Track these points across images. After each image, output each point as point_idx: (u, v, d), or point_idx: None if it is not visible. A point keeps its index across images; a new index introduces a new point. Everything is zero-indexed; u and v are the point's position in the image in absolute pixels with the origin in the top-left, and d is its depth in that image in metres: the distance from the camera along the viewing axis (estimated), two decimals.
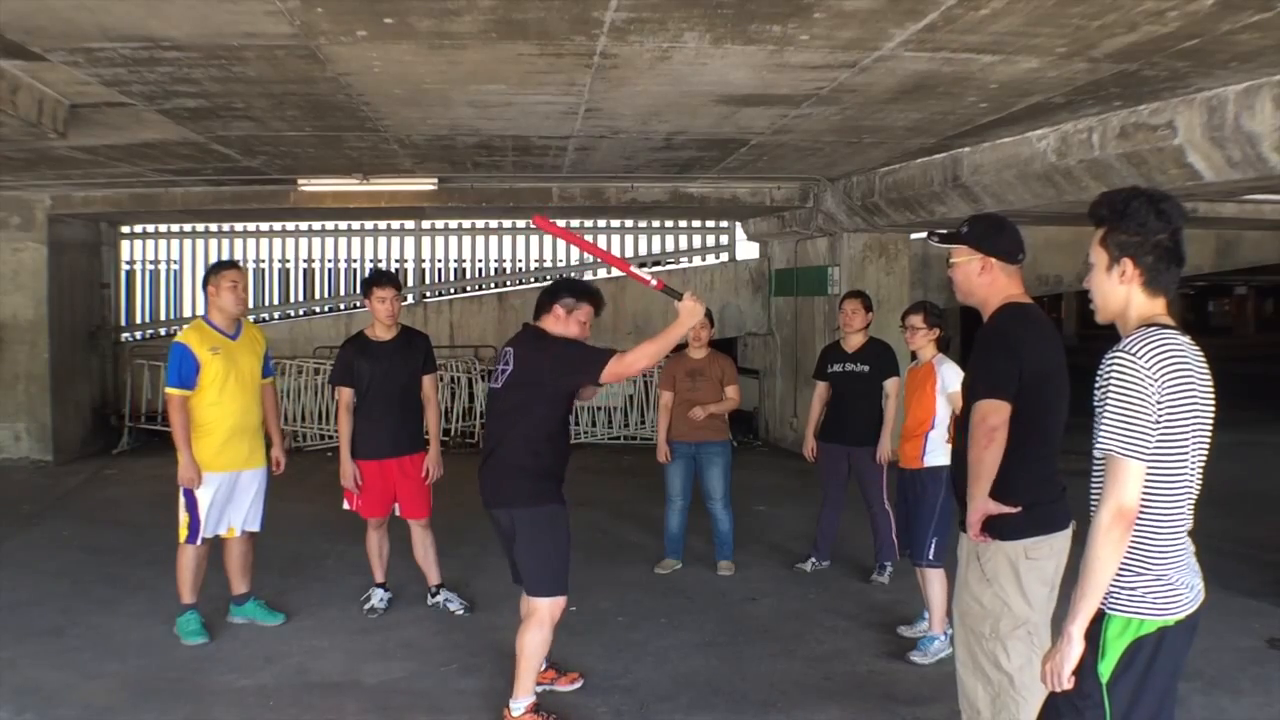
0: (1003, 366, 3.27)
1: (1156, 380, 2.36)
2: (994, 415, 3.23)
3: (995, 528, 3.27)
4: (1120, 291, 2.51)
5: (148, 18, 4.24)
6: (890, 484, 6.27)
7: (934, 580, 5.05)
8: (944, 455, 4.87)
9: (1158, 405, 2.36)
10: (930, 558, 5.04)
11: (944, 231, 3.52)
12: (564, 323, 4.25)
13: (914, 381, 5.33)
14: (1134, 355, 2.38)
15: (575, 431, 12.12)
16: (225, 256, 13.91)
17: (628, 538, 7.50)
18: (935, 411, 5.14)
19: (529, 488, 4.16)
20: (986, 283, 3.36)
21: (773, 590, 6.28)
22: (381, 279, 5.71)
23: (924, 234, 10.04)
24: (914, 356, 5.44)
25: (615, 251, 14.40)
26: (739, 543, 6.79)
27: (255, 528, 5.49)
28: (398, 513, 5.76)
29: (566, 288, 4.35)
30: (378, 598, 5.80)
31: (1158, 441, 2.37)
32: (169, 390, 5.23)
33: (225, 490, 5.28)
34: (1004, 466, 3.25)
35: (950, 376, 5.03)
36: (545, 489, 4.19)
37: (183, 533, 5.24)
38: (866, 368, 6.30)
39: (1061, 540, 3.32)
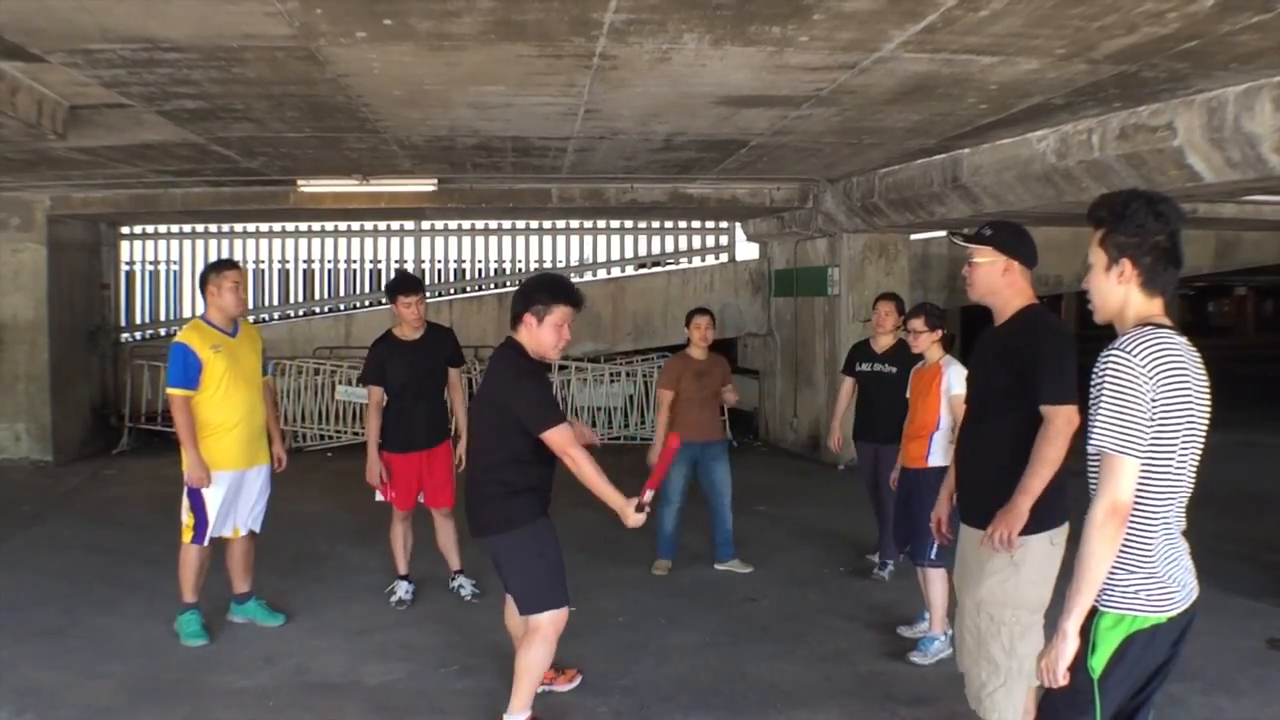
0: (1074, 373, 3.44)
1: (1151, 378, 2.38)
2: (1077, 419, 3.35)
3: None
4: (1118, 292, 2.54)
5: (148, 19, 4.24)
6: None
7: (936, 580, 5.05)
8: (948, 456, 4.87)
9: (1152, 403, 2.38)
10: (932, 557, 5.03)
11: (968, 232, 3.74)
12: (536, 332, 3.92)
13: (920, 382, 5.32)
14: (1129, 353, 2.40)
15: None
16: (225, 257, 13.92)
17: (627, 538, 7.43)
18: (941, 413, 5.14)
19: (501, 512, 3.95)
20: (1008, 283, 3.60)
21: (773, 590, 6.28)
22: (407, 285, 5.89)
23: (926, 234, 10.10)
24: (920, 357, 5.44)
25: (615, 252, 14.44)
26: (740, 542, 6.79)
27: (256, 527, 5.49)
28: (421, 501, 5.95)
29: (539, 287, 4.00)
30: (403, 590, 5.91)
31: (1151, 439, 2.39)
32: (171, 391, 5.20)
33: (233, 489, 5.28)
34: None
35: (956, 379, 5.00)
36: (519, 509, 3.94)
37: (187, 534, 5.23)
38: (894, 369, 6.30)
39: (1067, 529, 3.49)
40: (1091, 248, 2.58)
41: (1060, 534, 3.49)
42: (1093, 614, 2.46)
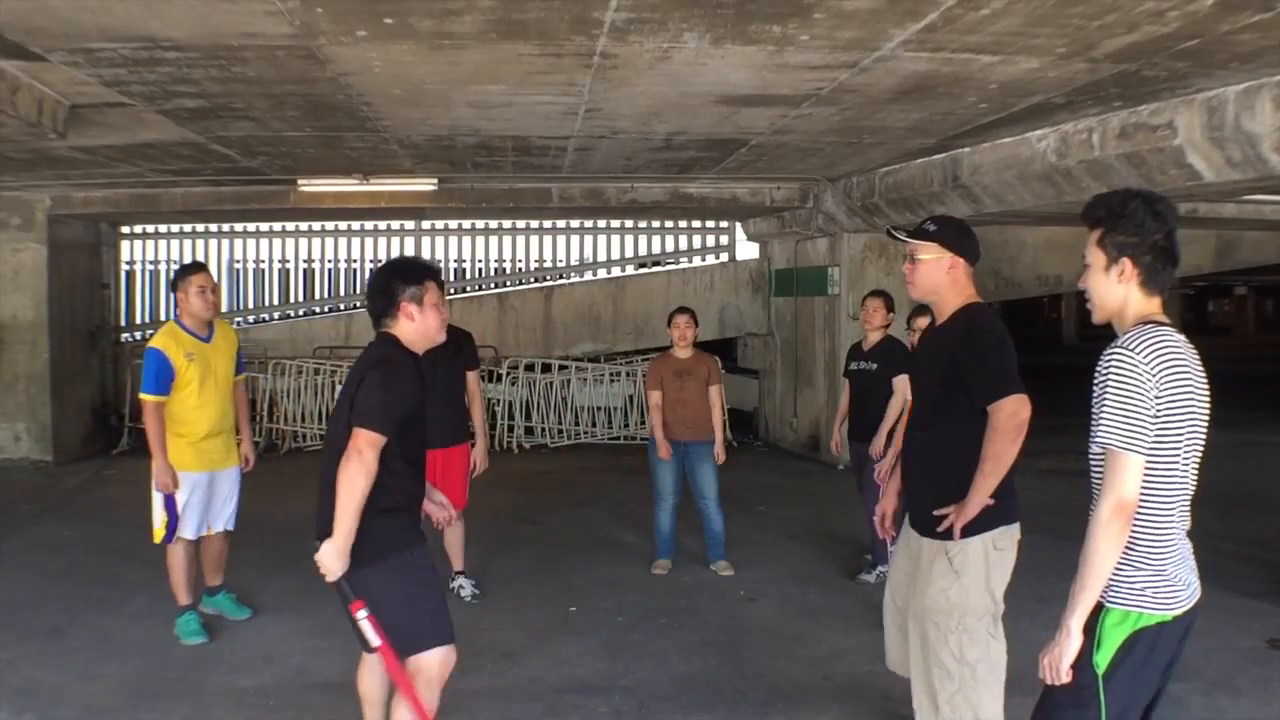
0: (1013, 362, 3.41)
1: (1154, 376, 2.39)
2: (1025, 409, 3.32)
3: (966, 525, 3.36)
4: (1118, 291, 2.55)
5: (148, 18, 4.24)
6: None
7: None
8: None
9: (1156, 400, 2.39)
10: None
11: (908, 228, 3.63)
12: (421, 319, 3.48)
13: None
14: (1132, 351, 2.41)
15: (575, 431, 12.16)
16: (227, 256, 13.93)
17: (627, 538, 7.49)
18: None
19: (367, 538, 3.26)
20: (950, 281, 3.51)
21: (773, 590, 6.27)
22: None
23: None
24: (911, 355, 5.46)
25: (615, 252, 14.44)
26: (740, 543, 6.79)
27: (231, 526, 5.51)
28: None
29: (401, 275, 3.50)
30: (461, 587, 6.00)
31: (1155, 436, 2.40)
32: (144, 396, 5.14)
33: (203, 491, 5.28)
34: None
35: None
36: (391, 533, 3.35)
37: (159, 533, 5.24)
38: (874, 365, 6.33)
39: (1017, 531, 3.47)
40: (1089, 247, 2.59)
41: (1005, 537, 3.42)
42: (1098, 610, 2.47)
